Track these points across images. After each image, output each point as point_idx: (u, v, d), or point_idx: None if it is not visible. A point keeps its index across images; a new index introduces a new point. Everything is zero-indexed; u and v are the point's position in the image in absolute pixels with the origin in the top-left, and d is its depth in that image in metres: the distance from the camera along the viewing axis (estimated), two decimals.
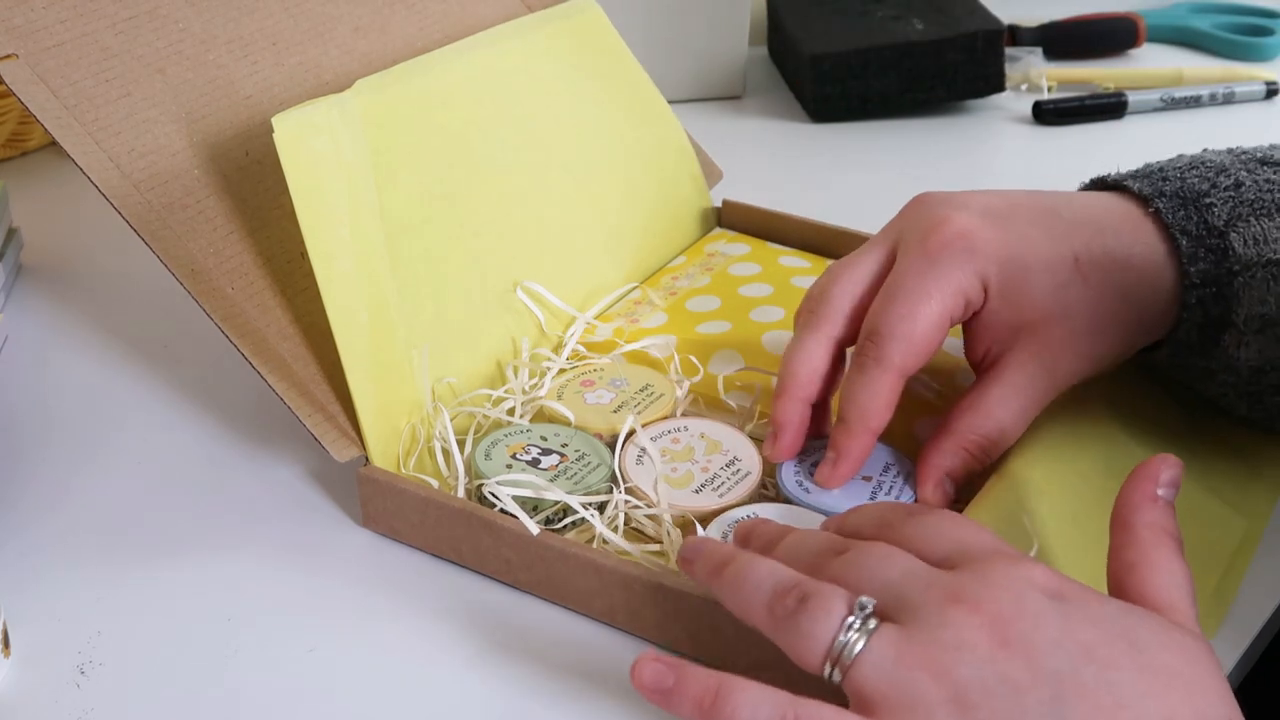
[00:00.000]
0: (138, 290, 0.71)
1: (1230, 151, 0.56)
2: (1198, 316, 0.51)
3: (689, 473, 0.53)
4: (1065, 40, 1.04)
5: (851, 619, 0.38)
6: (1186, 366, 0.54)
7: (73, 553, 0.53)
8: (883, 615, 0.39)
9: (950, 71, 0.92)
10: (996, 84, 0.94)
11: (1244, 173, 0.53)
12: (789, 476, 0.52)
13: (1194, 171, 0.53)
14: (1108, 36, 1.05)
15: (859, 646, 0.38)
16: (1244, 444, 0.56)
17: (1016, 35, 1.03)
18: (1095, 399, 0.56)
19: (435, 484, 0.53)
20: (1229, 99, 0.98)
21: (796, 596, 0.39)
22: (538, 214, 0.63)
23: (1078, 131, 0.94)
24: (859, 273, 0.52)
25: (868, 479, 0.52)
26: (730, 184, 0.76)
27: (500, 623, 0.50)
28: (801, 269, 0.67)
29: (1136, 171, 0.55)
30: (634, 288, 0.66)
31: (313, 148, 0.51)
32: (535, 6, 0.71)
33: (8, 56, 0.53)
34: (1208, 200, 0.51)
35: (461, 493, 0.53)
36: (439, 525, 0.52)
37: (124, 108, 0.55)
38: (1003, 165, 0.90)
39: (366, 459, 0.53)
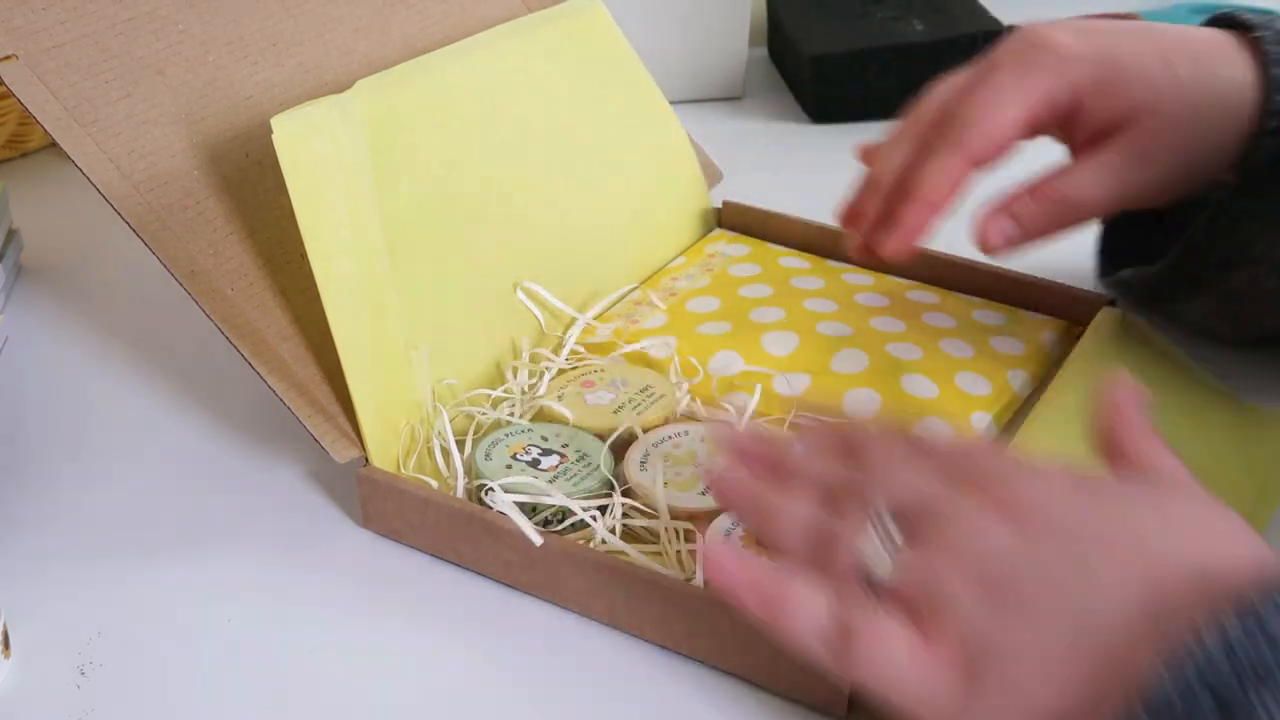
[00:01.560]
0: (137, 291, 0.71)
1: None
2: (1271, 146, 0.52)
3: (693, 477, 0.53)
4: None
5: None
6: (1253, 217, 0.54)
7: (72, 554, 0.53)
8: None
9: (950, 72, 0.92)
10: None
11: None
12: None
13: None
14: None
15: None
16: (1239, 448, 0.56)
17: None
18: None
19: (435, 484, 0.53)
20: None
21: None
22: (538, 214, 0.63)
23: None
24: (957, 80, 0.55)
25: None
26: (730, 184, 0.76)
27: (500, 623, 0.50)
28: (801, 270, 0.67)
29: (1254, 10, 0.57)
30: (634, 288, 0.66)
31: (312, 148, 0.51)
32: (535, 6, 0.71)
33: (7, 57, 0.53)
34: None
35: (461, 493, 0.53)
36: (439, 526, 0.52)
37: (124, 109, 0.55)
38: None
39: (366, 459, 0.53)
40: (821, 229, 0.70)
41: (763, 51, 1.05)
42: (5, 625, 0.48)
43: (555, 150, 0.65)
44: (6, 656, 0.47)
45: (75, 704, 0.46)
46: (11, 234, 0.72)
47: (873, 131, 0.93)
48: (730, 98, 0.96)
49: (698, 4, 0.92)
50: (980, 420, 0.56)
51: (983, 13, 0.94)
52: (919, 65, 0.91)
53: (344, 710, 0.46)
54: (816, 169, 0.88)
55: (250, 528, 0.55)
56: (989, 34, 0.91)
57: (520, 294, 0.61)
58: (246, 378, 0.57)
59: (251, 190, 0.57)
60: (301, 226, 0.51)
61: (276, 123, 0.50)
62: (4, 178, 0.79)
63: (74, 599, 0.50)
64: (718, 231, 0.72)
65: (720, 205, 0.73)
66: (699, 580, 0.48)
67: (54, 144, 0.74)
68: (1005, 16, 0.96)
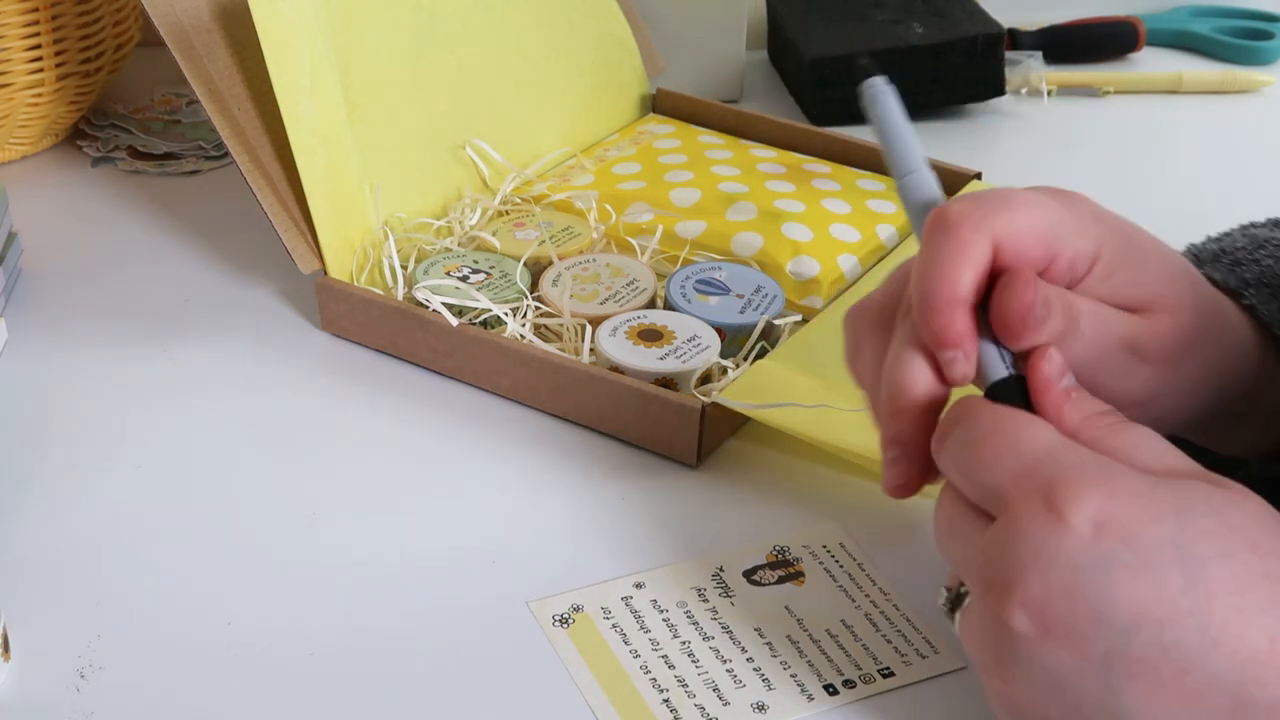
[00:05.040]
0: (137, 295, 0.70)
1: (1271, 223, 0.53)
2: None
3: (595, 291, 0.63)
4: (1065, 44, 1.02)
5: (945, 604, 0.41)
6: None
7: (72, 557, 0.52)
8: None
9: (950, 75, 0.91)
10: (996, 88, 0.92)
11: None
12: (675, 290, 0.62)
13: (1263, 252, 0.49)
14: (1108, 40, 1.03)
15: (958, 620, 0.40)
16: None
17: (1016, 39, 1.00)
18: None
19: (380, 294, 0.63)
20: None
21: None
22: (491, 90, 0.74)
23: None
24: None
25: (740, 296, 0.62)
26: None
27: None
28: (716, 145, 0.77)
29: (1199, 252, 0.51)
30: (571, 154, 0.76)
31: (279, 9, 0.62)
32: None
33: None
34: None
35: (401, 299, 0.63)
36: (381, 324, 0.62)
37: None
38: (1003, 170, 0.82)
39: (325, 272, 0.64)
40: (740, 114, 0.80)
41: (763, 55, 1.03)
42: (5, 628, 0.47)
43: (511, 35, 0.75)
44: (6, 660, 0.47)
45: (75, 707, 0.45)
46: (11, 237, 0.69)
47: (872, 134, 0.94)
48: (728, 100, 0.92)
49: (694, 6, 0.91)
50: (846, 260, 0.66)
51: (982, 16, 0.93)
52: (918, 68, 0.91)
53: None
54: None
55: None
56: (989, 37, 0.90)
57: (469, 150, 0.72)
58: (244, 382, 0.63)
59: (251, 34, 0.66)
60: (271, 73, 0.61)
61: None
62: (4, 180, 0.76)
63: (74, 603, 0.50)
64: (651, 115, 0.82)
65: (655, 92, 0.83)
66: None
67: (54, 147, 0.82)
68: (1005, 20, 0.94)
